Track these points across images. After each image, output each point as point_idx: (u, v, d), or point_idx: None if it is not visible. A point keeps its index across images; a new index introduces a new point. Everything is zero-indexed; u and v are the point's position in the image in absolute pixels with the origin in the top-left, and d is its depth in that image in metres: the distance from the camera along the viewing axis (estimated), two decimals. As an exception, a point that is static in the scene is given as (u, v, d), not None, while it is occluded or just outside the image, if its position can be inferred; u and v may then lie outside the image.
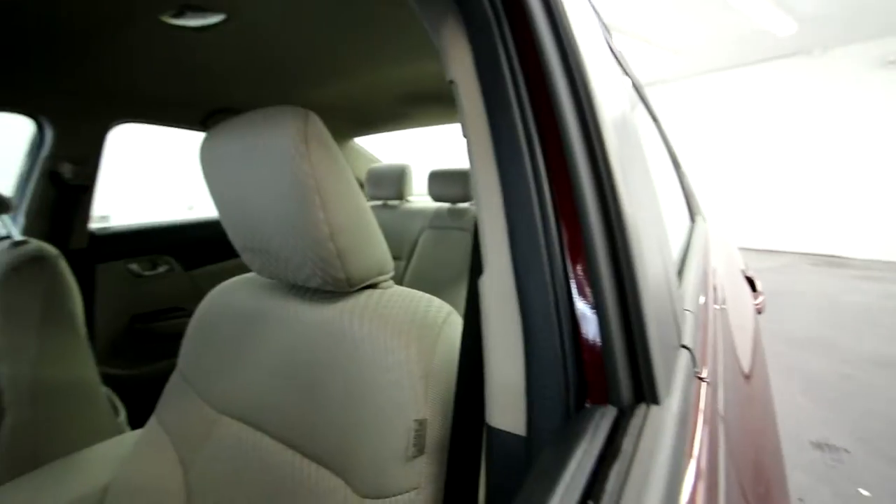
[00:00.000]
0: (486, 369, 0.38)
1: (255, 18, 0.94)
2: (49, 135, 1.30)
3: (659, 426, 0.34)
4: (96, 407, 0.96)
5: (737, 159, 6.53)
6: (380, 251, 0.58)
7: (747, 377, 0.74)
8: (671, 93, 6.92)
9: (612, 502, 0.27)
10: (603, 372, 0.34)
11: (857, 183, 5.52)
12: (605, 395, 0.34)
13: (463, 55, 0.40)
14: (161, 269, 1.74)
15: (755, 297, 1.22)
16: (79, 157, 1.35)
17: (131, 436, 0.86)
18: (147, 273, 1.70)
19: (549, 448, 0.32)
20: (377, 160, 2.43)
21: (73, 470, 0.78)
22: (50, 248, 0.93)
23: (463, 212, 1.83)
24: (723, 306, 0.81)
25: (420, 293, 0.57)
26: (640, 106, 1.10)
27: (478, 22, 0.39)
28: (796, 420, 2.03)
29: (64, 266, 0.93)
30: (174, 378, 0.74)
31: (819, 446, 1.85)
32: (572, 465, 0.29)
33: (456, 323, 0.53)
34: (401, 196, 2.09)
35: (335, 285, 0.56)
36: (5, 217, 0.98)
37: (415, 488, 0.46)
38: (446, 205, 1.92)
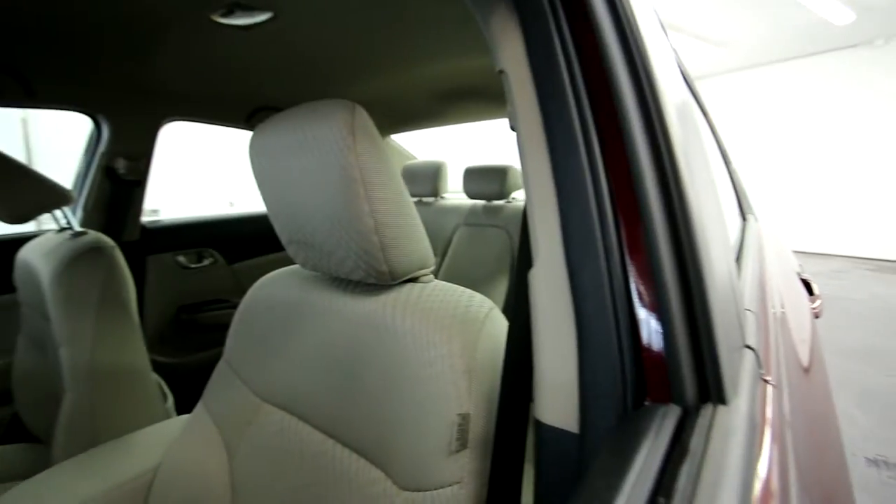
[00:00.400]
0: (536, 364, 0.38)
1: (300, 16, 0.95)
2: (106, 132, 1.37)
3: (728, 427, 0.33)
4: (147, 391, 1.00)
5: (786, 156, 6.20)
6: (422, 245, 0.58)
7: (809, 383, 0.69)
8: (715, 88, 6.64)
9: (684, 500, 0.26)
10: (664, 370, 0.33)
11: (922, 183, 5.15)
12: (667, 393, 0.33)
13: (514, 45, 0.39)
14: (206, 262, 1.81)
15: (812, 301, 1.15)
16: (132, 154, 1.42)
17: (179, 420, 0.90)
18: (193, 265, 1.77)
19: (609, 445, 0.31)
20: (413, 157, 2.44)
21: (127, 450, 0.81)
22: (107, 240, 0.98)
23: (498, 209, 1.82)
24: (781, 309, 0.77)
25: (461, 288, 0.57)
26: (692, 99, 1.05)
27: (531, 10, 0.38)
28: (850, 435, 1.91)
29: (120, 256, 0.97)
30: (220, 365, 0.76)
31: (875, 463, 1.74)
32: (638, 462, 0.27)
33: (497, 318, 0.53)
34: (436, 193, 2.09)
35: (377, 278, 0.56)
36: (66, 209, 1.04)
37: (457, 482, 0.45)
38: (481, 202, 1.91)
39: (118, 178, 1.41)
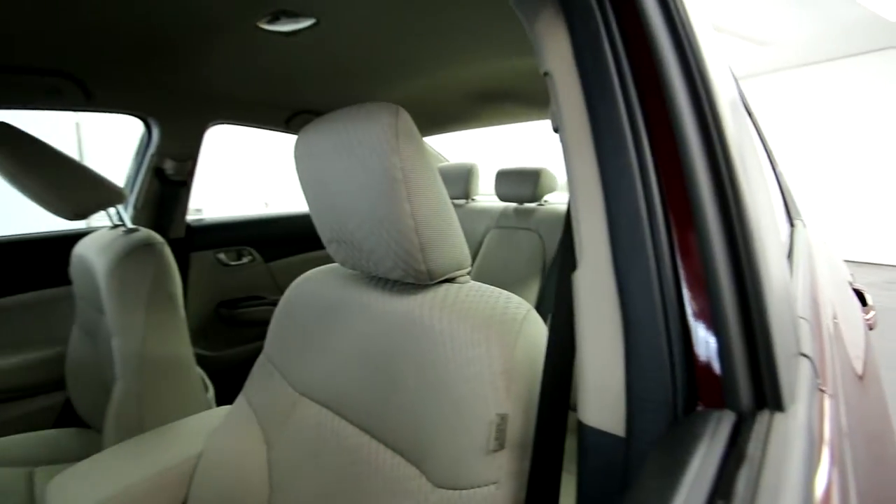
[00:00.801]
0: (580, 365, 0.37)
1: (341, 22, 0.98)
2: (156, 134, 1.45)
3: (787, 434, 0.32)
4: (191, 382, 1.05)
5: (835, 161, 5.89)
6: (459, 246, 0.58)
7: (865, 396, 0.66)
8: (758, 89, 6.38)
9: None
10: (717, 375, 0.32)
11: None
12: (721, 399, 0.32)
13: (561, 46, 0.39)
14: (245, 260, 1.87)
15: (865, 313, 1.09)
16: (180, 155, 1.49)
17: (220, 410, 0.93)
18: (233, 263, 1.84)
19: (661, 448, 0.31)
20: (444, 159, 2.46)
21: (172, 437, 0.85)
22: (157, 236, 1.03)
23: (530, 211, 1.80)
24: (834, 319, 0.73)
25: (498, 290, 0.57)
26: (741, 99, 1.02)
27: (578, 11, 0.38)
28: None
29: (169, 253, 1.02)
30: (261, 359, 0.79)
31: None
32: (694, 465, 0.27)
33: (535, 320, 0.53)
34: (467, 195, 2.10)
35: (416, 278, 0.57)
36: (120, 207, 1.09)
37: (494, 482, 0.45)
38: (513, 204, 1.90)
39: (166, 178, 1.48)
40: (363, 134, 0.53)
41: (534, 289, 1.61)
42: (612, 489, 0.34)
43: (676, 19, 0.36)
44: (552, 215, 1.71)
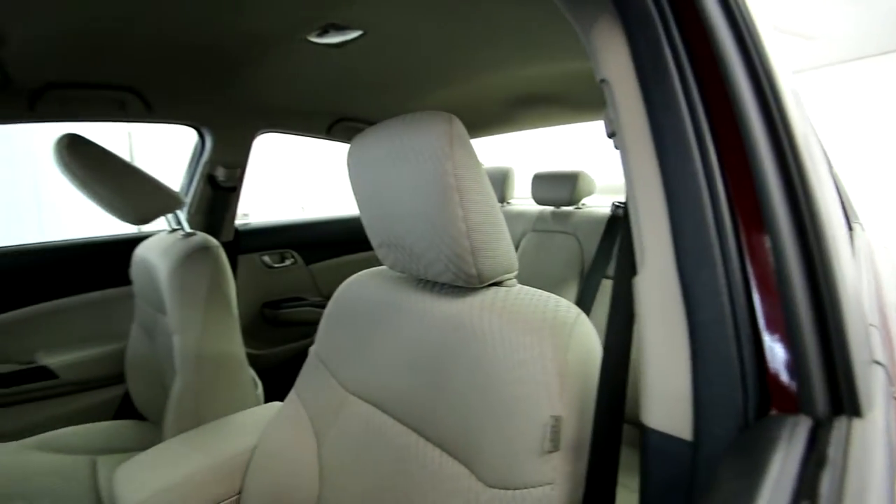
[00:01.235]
0: (643, 369, 0.38)
1: (388, 33, 1.01)
2: (208, 143, 1.53)
3: (868, 439, 0.31)
4: (243, 379, 1.10)
5: (890, 160, 5.53)
6: (508, 250, 0.59)
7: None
8: (804, 85, 6.07)
9: None
10: (791, 380, 0.32)
11: None
12: (795, 404, 0.32)
13: (618, 53, 0.39)
14: (287, 263, 1.94)
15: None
16: (230, 163, 1.57)
17: (272, 406, 0.97)
18: (276, 265, 1.91)
19: (736, 452, 0.31)
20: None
21: (228, 430, 0.90)
22: (213, 240, 1.09)
23: (567, 215, 1.79)
24: (902, 327, 0.70)
25: (546, 293, 0.58)
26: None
27: (637, 19, 0.38)
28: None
29: (223, 255, 1.08)
30: (311, 357, 0.82)
31: None
32: (774, 468, 0.27)
33: (586, 323, 0.53)
34: (503, 199, 2.10)
35: (466, 281, 0.58)
36: (179, 212, 1.16)
37: (549, 483, 0.46)
38: (549, 208, 1.89)
39: (217, 184, 1.56)
40: (417, 141, 0.54)
41: (571, 292, 1.60)
42: (677, 491, 0.34)
43: (740, 22, 0.36)
44: (590, 219, 1.69)
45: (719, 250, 0.34)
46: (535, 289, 0.59)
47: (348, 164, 0.68)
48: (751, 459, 0.28)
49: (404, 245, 0.63)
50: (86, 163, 0.97)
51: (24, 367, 1.34)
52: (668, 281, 0.36)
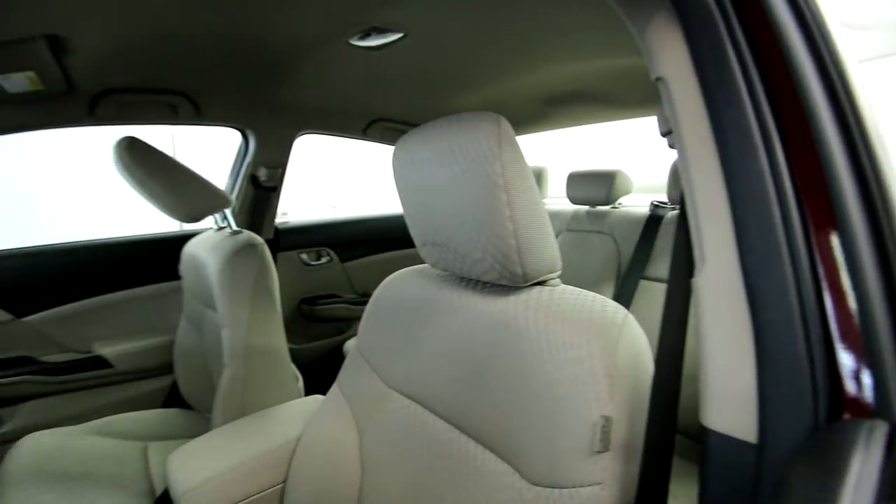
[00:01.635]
0: (703, 370, 0.37)
1: (429, 35, 1.02)
2: (252, 145, 1.58)
3: None
4: (286, 372, 1.14)
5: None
6: (553, 250, 0.59)
7: None
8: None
9: None
10: (866, 384, 0.31)
11: None
12: (869, 408, 0.31)
13: (676, 51, 0.39)
14: (323, 260, 1.99)
15: None
16: (272, 163, 1.62)
17: (313, 399, 1.00)
18: (313, 263, 1.97)
19: (809, 454, 0.30)
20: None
21: (273, 421, 0.93)
22: (258, 238, 1.13)
23: (604, 214, 1.76)
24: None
25: (591, 293, 0.57)
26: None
27: (697, 17, 0.38)
28: None
29: (268, 253, 1.12)
30: (352, 352, 0.83)
31: None
32: (853, 471, 0.26)
33: (634, 324, 0.53)
34: (537, 198, 2.09)
35: (510, 280, 0.58)
36: (226, 210, 1.21)
37: (598, 483, 0.46)
38: (584, 207, 1.86)
39: (259, 184, 1.62)
40: (465, 142, 0.55)
41: (607, 293, 1.57)
42: (740, 493, 0.33)
43: (808, 17, 0.35)
44: (628, 218, 1.66)
45: (787, 250, 0.33)
46: (579, 288, 0.59)
47: (393, 165, 0.69)
48: (827, 463, 0.28)
49: (448, 244, 0.64)
50: (143, 163, 1.02)
51: (82, 356, 1.42)
52: (731, 281, 0.36)
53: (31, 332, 1.37)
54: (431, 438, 0.66)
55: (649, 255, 1.49)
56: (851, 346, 0.32)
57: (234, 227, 1.22)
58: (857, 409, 0.31)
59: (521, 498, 0.52)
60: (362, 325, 0.83)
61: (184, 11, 0.87)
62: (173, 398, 1.51)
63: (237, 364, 1.03)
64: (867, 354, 0.31)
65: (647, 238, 1.52)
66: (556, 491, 0.48)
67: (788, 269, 0.33)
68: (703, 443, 0.37)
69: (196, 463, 0.83)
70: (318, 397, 0.99)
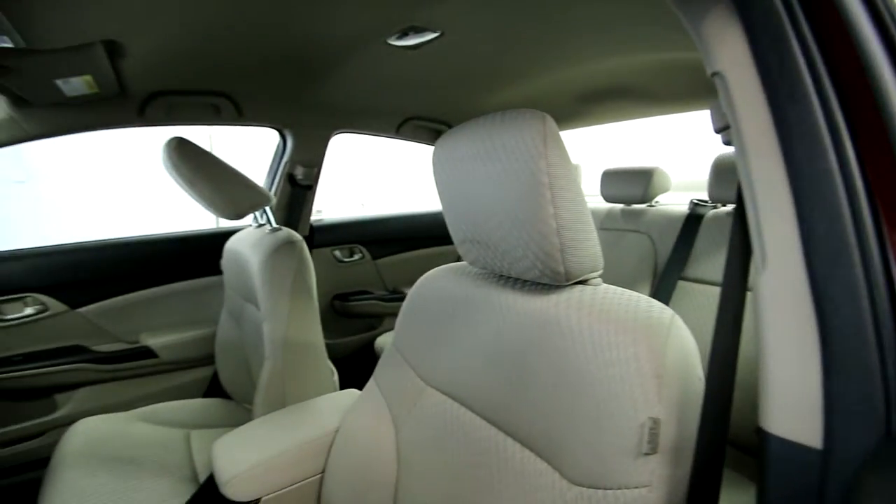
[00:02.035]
0: (764, 373, 0.36)
1: (466, 32, 1.02)
2: (289, 144, 1.63)
3: None
4: (322, 365, 1.16)
5: None
6: (595, 248, 0.59)
7: None
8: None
9: None
10: None
11: None
12: None
13: (735, 45, 0.38)
14: (356, 257, 2.03)
15: None
16: (308, 162, 1.66)
17: (349, 393, 1.02)
18: (346, 259, 2.01)
19: (882, 463, 0.29)
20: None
21: (312, 413, 0.96)
22: (297, 235, 1.16)
23: (639, 213, 1.72)
24: None
25: (635, 293, 0.57)
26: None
27: (758, 8, 0.36)
28: None
29: (306, 249, 1.15)
30: (389, 348, 0.85)
31: None
32: None
33: (681, 325, 0.51)
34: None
35: (552, 278, 0.58)
36: (267, 208, 1.25)
37: (645, 486, 0.45)
38: (619, 206, 1.83)
39: (296, 182, 1.66)
40: (509, 139, 0.55)
41: (643, 293, 1.54)
42: (804, 499, 0.32)
43: (880, 4, 0.34)
44: (665, 217, 1.62)
45: (858, 251, 0.32)
46: (621, 288, 0.58)
47: (433, 162, 0.70)
48: None
49: (488, 241, 0.64)
50: (191, 163, 1.07)
51: (130, 346, 1.50)
52: (796, 283, 0.35)
53: (85, 322, 1.45)
54: (468, 435, 0.66)
55: (689, 256, 1.45)
56: None
57: (274, 225, 1.25)
58: None
59: (562, 497, 0.51)
60: (399, 321, 0.84)
61: (231, 15, 0.90)
62: (214, 388, 1.57)
63: (277, 357, 1.07)
64: None
65: (686, 237, 1.48)
66: (600, 492, 0.48)
67: (859, 271, 0.32)
68: (760, 448, 0.36)
69: (240, 451, 0.86)
70: (353, 391, 1.01)
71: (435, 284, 0.80)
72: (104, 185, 4.33)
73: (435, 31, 1.00)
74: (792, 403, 0.34)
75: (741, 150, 0.38)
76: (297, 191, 1.69)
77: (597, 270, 0.61)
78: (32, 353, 1.37)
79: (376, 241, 2.09)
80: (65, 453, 1.09)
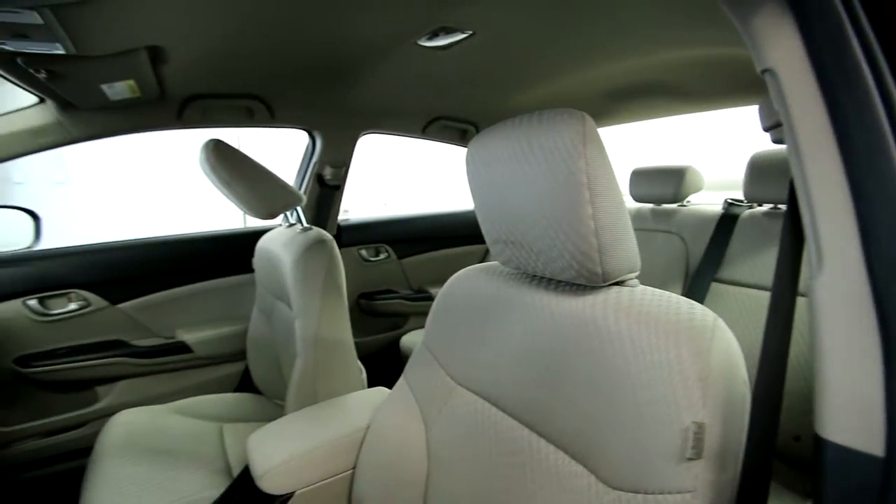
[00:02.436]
0: (820, 377, 0.35)
1: (497, 32, 1.02)
2: (318, 144, 1.65)
3: None
4: (352, 363, 1.18)
5: None
6: (633, 250, 0.58)
7: None
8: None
9: None
10: None
11: None
12: None
13: (788, 41, 0.37)
14: (381, 257, 2.05)
15: None
16: (336, 162, 1.69)
17: (378, 391, 1.04)
18: (372, 259, 2.03)
19: None
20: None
21: (343, 409, 0.97)
22: (327, 234, 1.18)
23: (670, 213, 1.68)
24: None
25: (674, 295, 0.55)
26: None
27: (812, 4, 0.35)
28: None
29: (336, 248, 1.17)
30: (419, 347, 0.85)
31: None
32: None
33: (725, 329, 0.50)
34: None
35: (588, 279, 0.57)
36: (298, 208, 1.28)
37: (689, 491, 0.44)
38: (648, 205, 1.79)
39: (324, 182, 1.69)
40: (547, 140, 0.55)
41: (674, 293, 1.51)
42: None
43: None
44: (697, 217, 1.58)
45: None
46: (660, 290, 0.57)
47: (467, 162, 0.70)
48: None
49: (523, 242, 0.63)
50: (227, 164, 1.10)
51: (167, 341, 1.55)
52: (856, 285, 0.33)
53: (124, 317, 1.51)
54: (499, 435, 0.66)
55: (723, 257, 1.41)
56: None
57: (305, 224, 1.28)
58: None
59: (599, 501, 0.51)
60: (429, 321, 0.84)
61: (267, 20, 0.92)
62: (245, 383, 1.61)
63: (308, 354, 1.09)
64: None
65: (720, 238, 1.44)
66: (640, 496, 0.47)
67: None
68: (816, 455, 0.35)
69: (274, 445, 0.88)
70: (383, 389, 1.02)
71: (466, 284, 0.80)
72: (139, 185, 4.50)
73: (466, 32, 1.00)
74: (851, 409, 0.33)
75: (795, 149, 0.37)
76: (325, 191, 1.71)
77: (634, 272, 0.60)
78: (76, 346, 1.43)
79: (402, 240, 2.11)
80: (107, 444, 1.14)
